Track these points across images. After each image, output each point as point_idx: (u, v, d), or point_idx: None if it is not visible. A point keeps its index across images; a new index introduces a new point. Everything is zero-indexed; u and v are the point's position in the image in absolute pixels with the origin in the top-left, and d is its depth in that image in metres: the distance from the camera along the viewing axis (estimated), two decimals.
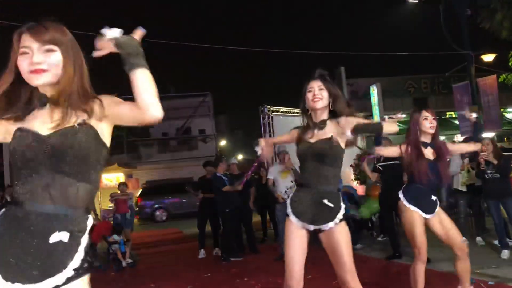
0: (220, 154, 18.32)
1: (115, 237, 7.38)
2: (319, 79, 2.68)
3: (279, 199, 6.60)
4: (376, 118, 17.31)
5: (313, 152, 2.61)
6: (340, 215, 2.58)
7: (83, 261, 1.45)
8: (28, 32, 1.49)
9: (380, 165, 6.13)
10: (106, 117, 1.53)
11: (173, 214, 17.67)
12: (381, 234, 7.81)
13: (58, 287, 1.40)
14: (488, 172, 5.55)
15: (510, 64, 12.76)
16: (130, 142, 23.84)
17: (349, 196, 7.98)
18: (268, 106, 11.69)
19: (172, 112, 24.43)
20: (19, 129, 1.50)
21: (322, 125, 2.66)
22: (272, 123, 11.59)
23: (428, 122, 3.43)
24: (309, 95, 2.67)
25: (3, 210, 1.50)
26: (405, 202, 3.43)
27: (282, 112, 11.92)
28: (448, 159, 4.01)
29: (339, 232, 2.56)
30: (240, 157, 27.13)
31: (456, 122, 17.51)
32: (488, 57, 13.67)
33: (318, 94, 2.64)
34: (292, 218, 2.63)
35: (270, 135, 11.30)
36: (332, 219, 2.56)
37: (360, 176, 11.20)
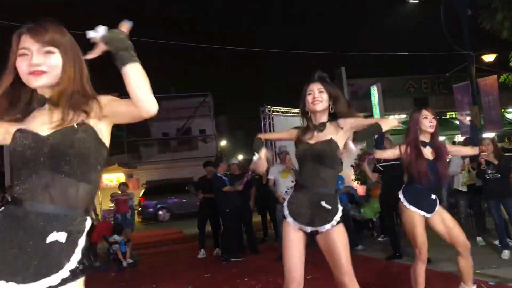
0: (220, 154, 18.33)
1: (116, 237, 7.38)
2: (319, 82, 2.68)
3: (279, 199, 6.60)
4: (377, 118, 17.34)
5: (312, 153, 2.61)
6: (337, 217, 2.56)
7: (80, 263, 1.44)
8: (27, 33, 1.49)
9: (380, 166, 6.13)
10: (105, 117, 1.54)
11: (176, 214, 17.69)
12: (381, 234, 7.81)
13: None
14: (489, 172, 5.55)
15: (510, 64, 12.75)
16: (130, 142, 23.86)
17: (350, 196, 7.99)
18: (269, 106, 11.71)
19: (173, 112, 24.47)
20: (19, 130, 1.50)
21: (321, 127, 2.65)
22: (273, 123, 11.61)
23: (428, 121, 3.43)
24: (309, 98, 2.66)
25: (2, 208, 1.50)
26: (405, 203, 3.43)
27: (282, 112, 11.94)
28: (448, 160, 4.01)
29: (336, 234, 2.55)
30: (240, 157, 27.11)
31: (457, 122, 17.50)
32: (489, 57, 13.67)
33: (318, 97, 2.63)
34: (289, 219, 2.62)
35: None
36: (329, 221, 2.55)
37: (361, 177, 11.20)
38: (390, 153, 3.63)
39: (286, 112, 11.83)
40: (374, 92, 17.61)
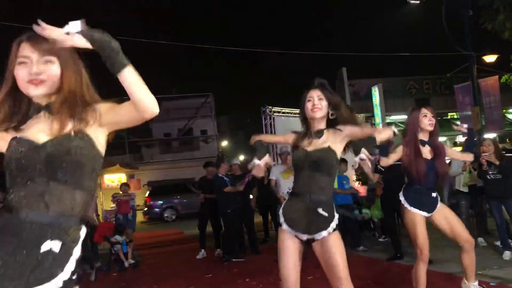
0: (221, 154, 18.29)
1: (117, 237, 7.39)
2: (318, 89, 2.67)
3: (281, 200, 6.60)
4: (378, 118, 17.34)
5: (309, 160, 2.59)
6: (333, 225, 2.54)
7: (73, 272, 1.43)
8: (27, 41, 1.49)
9: (381, 166, 6.12)
10: (103, 124, 1.53)
11: (182, 214, 17.73)
12: (382, 235, 7.81)
13: None
14: (490, 173, 5.55)
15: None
16: (132, 143, 23.89)
17: (353, 197, 7.99)
18: (270, 107, 11.69)
19: (174, 113, 24.50)
20: (14, 138, 1.49)
21: (319, 134, 2.64)
22: (274, 124, 11.60)
23: (427, 119, 3.43)
24: (309, 105, 2.66)
25: None
26: (406, 205, 3.44)
27: (283, 112, 11.92)
28: (449, 161, 4.01)
29: (332, 241, 2.52)
30: (241, 157, 27.11)
31: (458, 123, 17.49)
32: (490, 58, 13.65)
33: (318, 104, 2.62)
34: (285, 227, 2.60)
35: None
36: (325, 228, 2.53)
37: (362, 177, 11.19)
38: (395, 157, 3.59)
39: (287, 113, 11.82)
40: (376, 93, 17.61)
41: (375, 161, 3.60)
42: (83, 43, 1.38)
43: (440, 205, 3.47)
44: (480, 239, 6.35)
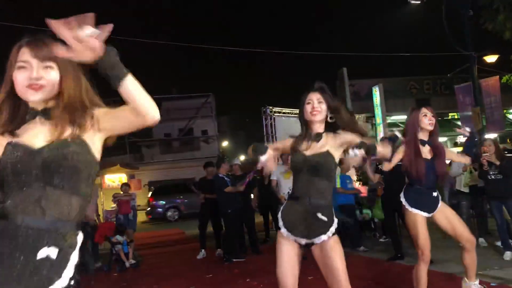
0: (222, 155, 18.31)
1: (118, 237, 7.40)
2: (318, 91, 2.65)
3: (281, 200, 6.60)
4: (378, 119, 17.33)
5: (308, 164, 2.57)
6: (333, 229, 2.54)
7: (72, 279, 1.42)
8: (27, 46, 1.48)
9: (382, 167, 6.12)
10: (101, 129, 1.53)
11: (185, 214, 17.75)
12: (383, 235, 7.81)
13: None
14: (491, 173, 5.55)
15: None
16: (132, 143, 23.90)
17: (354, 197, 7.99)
18: (271, 107, 11.70)
19: (175, 113, 24.51)
20: (10, 143, 1.48)
21: (318, 137, 2.63)
22: (275, 124, 11.60)
23: (427, 119, 3.43)
24: (308, 107, 2.64)
25: None
26: (407, 206, 3.44)
27: (284, 113, 11.93)
28: (449, 161, 4.01)
29: (332, 245, 2.52)
30: (242, 157, 27.11)
31: (459, 123, 17.48)
32: (491, 58, 13.64)
33: (317, 107, 2.61)
34: (284, 231, 2.58)
35: (272, 136, 11.32)
36: (324, 232, 2.52)
37: (362, 178, 11.19)
38: (396, 159, 3.59)
39: (288, 113, 11.82)
40: (376, 93, 17.60)
41: (376, 161, 3.61)
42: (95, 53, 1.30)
43: (441, 204, 3.48)
44: (481, 240, 6.35)
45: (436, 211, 3.44)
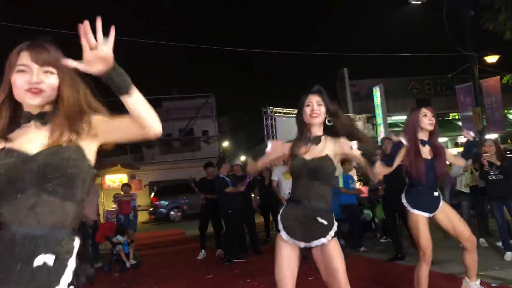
0: (223, 155, 18.32)
1: (119, 237, 7.40)
2: (317, 94, 2.64)
3: (282, 201, 6.60)
4: (379, 119, 17.33)
5: (308, 169, 2.56)
6: (332, 232, 2.54)
7: (70, 284, 1.41)
8: (27, 50, 1.47)
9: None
10: (97, 136, 1.52)
11: (188, 214, 17.76)
12: (384, 236, 7.81)
13: None
14: (492, 173, 5.54)
15: None
16: (133, 143, 23.87)
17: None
18: (271, 108, 11.70)
19: (175, 113, 24.51)
20: (3, 149, 1.46)
21: (317, 141, 2.61)
22: (275, 125, 11.61)
23: (427, 119, 3.43)
24: (307, 110, 2.61)
25: None
26: (409, 208, 3.44)
27: (285, 113, 11.93)
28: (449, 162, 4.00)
29: (332, 247, 2.53)
30: (243, 158, 27.13)
31: (459, 123, 17.48)
32: (492, 59, 13.64)
33: (317, 110, 2.59)
34: (283, 234, 2.58)
35: (273, 137, 11.31)
36: (324, 235, 2.52)
37: (363, 178, 11.19)
38: (398, 161, 3.57)
39: (289, 113, 11.82)
40: (377, 93, 17.61)
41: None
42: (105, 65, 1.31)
43: (442, 204, 3.48)
44: (482, 240, 6.34)
45: (437, 211, 3.44)
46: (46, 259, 1.37)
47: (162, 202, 18.51)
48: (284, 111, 11.93)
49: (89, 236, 7.46)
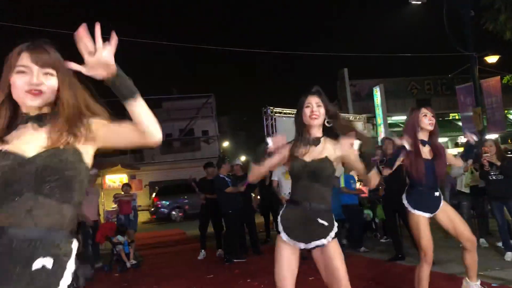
0: (223, 155, 18.33)
1: (119, 237, 7.40)
2: (316, 95, 2.62)
3: (283, 201, 6.60)
4: (379, 119, 17.33)
5: (308, 170, 2.55)
6: (332, 233, 2.54)
7: (70, 286, 1.41)
8: (28, 51, 1.47)
9: (382, 167, 6.12)
10: (95, 141, 1.52)
11: (189, 214, 17.75)
12: (384, 236, 7.81)
13: None
14: (492, 173, 5.54)
15: None
16: None
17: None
18: (271, 108, 11.70)
19: (175, 113, 24.52)
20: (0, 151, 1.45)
21: (316, 142, 2.61)
22: (275, 125, 11.61)
23: (427, 119, 3.44)
24: (307, 111, 2.60)
25: None
26: (410, 208, 3.44)
27: (285, 113, 11.92)
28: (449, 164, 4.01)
29: (332, 248, 2.53)
30: (243, 158, 27.13)
31: (459, 123, 17.47)
32: (492, 59, 13.64)
33: (316, 111, 2.58)
34: (283, 235, 2.58)
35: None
36: (325, 236, 2.52)
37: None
38: (398, 162, 3.57)
39: (289, 114, 11.82)
40: (377, 93, 17.61)
41: (377, 162, 3.61)
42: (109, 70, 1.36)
43: (443, 203, 3.48)
44: (482, 240, 6.34)
45: (438, 211, 3.45)
46: (44, 262, 1.37)
47: (164, 202, 18.52)
48: (284, 111, 11.93)
49: (89, 236, 7.46)
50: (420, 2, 13.17)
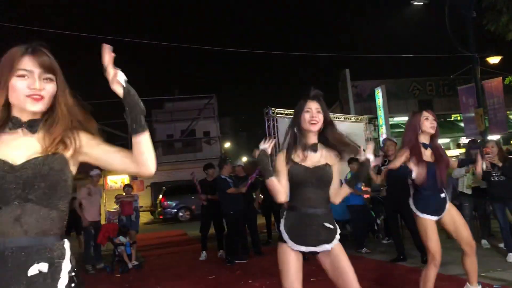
0: (224, 156, 18.33)
1: (121, 238, 7.41)
2: (316, 100, 2.60)
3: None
4: (381, 120, 17.31)
5: (311, 176, 2.55)
6: (338, 235, 2.57)
7: (68, 285, 1.41)
8: (30, 55, 1.46)
9: (385, 168, 6.11)
10: (82, 154, 1.53)
11: (196, 214, 17.73)
12: (386, 237, 7.80)
13: None
14: (494, 174, 5.53)
15: None
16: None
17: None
18: (273, 109, 11.69)
19: (177, 114, 24.56)
20: None
21: (314, 148, 2.60)
22: (277, 126, 11.60)
23: (429, 122, 3.45)
24: (307, 116, 2.57)
25: None
26: (417, 213, 3.45)
27: (286, 114, 11.91)
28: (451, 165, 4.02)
29: (339, 250, 2.55)
30: (244, 159, 27.13)
31: (461, 124, 17.45)
32: (494, 59, 13.61)
33: (316, 117, 2.56)
34: (289, 242, 2.56)
35: (274, 137, 11.31)
36: (331, 240, 2.54)
37: (365, 179, 11.18)
38: (401, 160, 3.57)
39: (290, 115, 11.81)
40: (379, 94, 17.59)
41: (379, 163, 3.61)
42: (121, 86, 1.46)
43: (448, 205, 3.48)
44: (484, 241, 6.34)
45: (444, 213, 3.45)
46: (40, 267, 1.38)
47: (170, 202, 18.53)
48: (286, 112, 11.92)
49: (91, 237, 7.47)
50: (422, 3, 13.17)
